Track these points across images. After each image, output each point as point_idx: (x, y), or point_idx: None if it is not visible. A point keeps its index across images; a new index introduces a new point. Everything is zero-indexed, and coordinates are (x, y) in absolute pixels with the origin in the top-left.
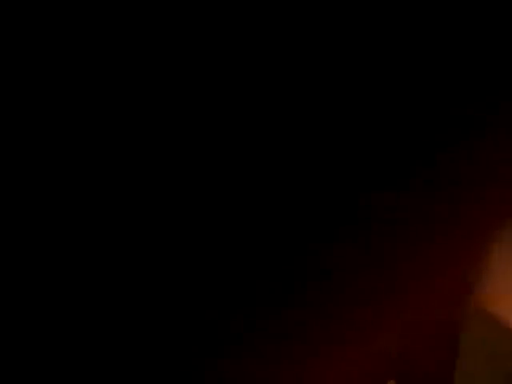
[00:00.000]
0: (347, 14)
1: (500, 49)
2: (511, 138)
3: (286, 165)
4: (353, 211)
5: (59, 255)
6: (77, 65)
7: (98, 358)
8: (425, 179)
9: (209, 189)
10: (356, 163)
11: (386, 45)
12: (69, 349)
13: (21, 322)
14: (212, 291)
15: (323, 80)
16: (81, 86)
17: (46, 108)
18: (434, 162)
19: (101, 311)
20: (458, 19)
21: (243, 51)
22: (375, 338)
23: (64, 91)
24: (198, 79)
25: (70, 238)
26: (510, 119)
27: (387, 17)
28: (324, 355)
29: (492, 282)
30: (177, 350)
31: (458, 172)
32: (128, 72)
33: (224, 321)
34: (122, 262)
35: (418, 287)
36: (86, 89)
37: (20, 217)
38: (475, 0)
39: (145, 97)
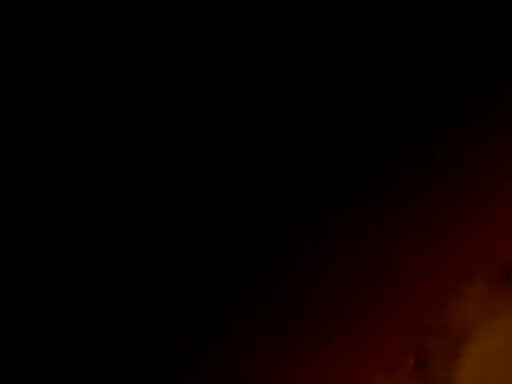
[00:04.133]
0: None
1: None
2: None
3: (278, 161)
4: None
5: (56, 251)
6: (77, 66)
7: (95, 355)
8: None
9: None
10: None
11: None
12: (67, 343)
13: (21, 321)
14: (212, 288)
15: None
16: (81, 87)
17: (46, 109)
18: None
19: (96, 310)
20: (456, 20)
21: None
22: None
23: (64, 92)
24: (195, 81)
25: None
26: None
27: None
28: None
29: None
30: (175, 349)
31: None
32: (128, 73)
33: (225, 319)
34: (114, 265)
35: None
36: (87, 90)
37: (20, 217)
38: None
39: (143, 98)
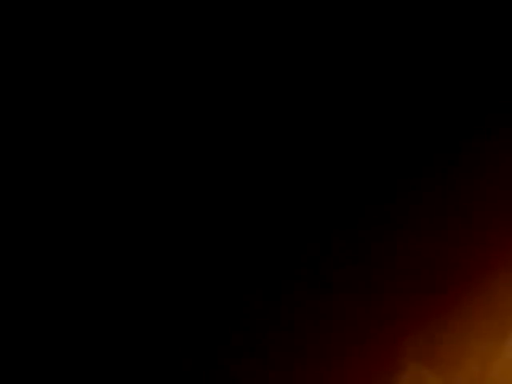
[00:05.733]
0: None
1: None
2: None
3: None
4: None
5: (59, 255)
6: (77, 65)
7: (100, 358)
8: None
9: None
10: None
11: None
12: (70, 347)
13: (21, 321)
14: (226, 290)
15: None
16: (81, 87)
17: (46, 109)
18: None
19: (101, 311)
20: (460, 23)
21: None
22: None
23: (65, 92)
24: (197, 80)
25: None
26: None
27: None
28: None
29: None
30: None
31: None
32: (128, 73)
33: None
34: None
35: None
36: (87, 90)
37: (21, 218)
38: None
39: (145, 98)
